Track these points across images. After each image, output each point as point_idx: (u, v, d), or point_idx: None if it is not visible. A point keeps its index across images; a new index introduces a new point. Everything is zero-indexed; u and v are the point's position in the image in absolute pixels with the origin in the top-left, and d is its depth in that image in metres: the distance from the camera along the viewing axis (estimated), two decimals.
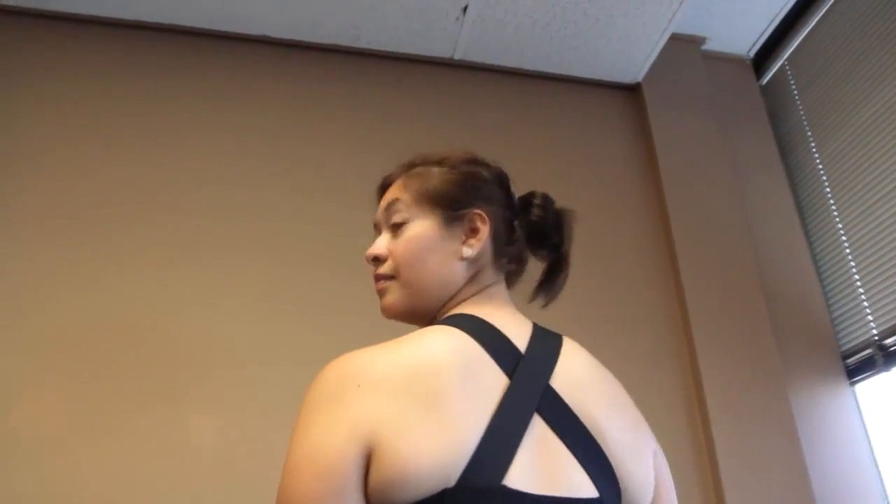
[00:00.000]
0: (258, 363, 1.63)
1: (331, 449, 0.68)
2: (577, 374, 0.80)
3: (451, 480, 0.67)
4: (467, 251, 0.86)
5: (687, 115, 2.18)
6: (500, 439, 0.71)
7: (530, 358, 0.79)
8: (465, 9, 1.95)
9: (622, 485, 0.75)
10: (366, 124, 2.04)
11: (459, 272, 0.87)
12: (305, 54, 2.09)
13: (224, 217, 1.80)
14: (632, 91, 2.24)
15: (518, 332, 0.82)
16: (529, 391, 0.76)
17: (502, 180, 0.94)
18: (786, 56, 2.35)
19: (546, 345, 0.83)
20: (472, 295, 0.87)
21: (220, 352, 1.62)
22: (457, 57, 2.14)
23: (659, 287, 1.93)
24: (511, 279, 0.94)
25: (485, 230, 0.87)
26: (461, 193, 0.89)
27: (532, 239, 0.93)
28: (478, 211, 0.88)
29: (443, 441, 0.68)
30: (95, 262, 1.67)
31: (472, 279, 0.88)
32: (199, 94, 1.96)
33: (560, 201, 1.94)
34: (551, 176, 2.04)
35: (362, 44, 2.09)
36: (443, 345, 0.76)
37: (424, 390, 0.71)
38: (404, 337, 0.78)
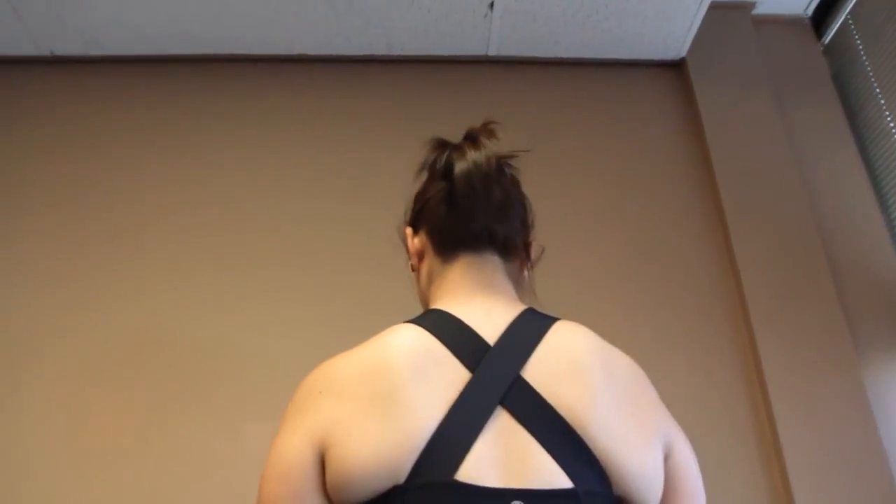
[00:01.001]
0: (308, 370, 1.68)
1: (289, 454, 0.73)
2: (560, 362, 0.78)
3: (401, 477, 0.69)
4: (411, 263, 0.96)
5: (737, 87, 2.07)
6: (454, 434, 0.71)
7: (500, 349, 0.78)
8: (491, 5, 1.94)
9: (611, 476, 0.72)
10: (406, 129, 2.05)
11: (420, 279, 0.96)
12: (343, 67, 2.14)
13: (270, 227, 1.87)
14: (677, 67, 2.15)
15: (491, 321, 0.81)
16: (493, 384, 0.75)
17: (434, 163, 0.93)
18: (848, 9, 2.19)
19: (526, 332, 0.80)
20: (442, 290, 0.90)
21: (270, 360, 1.69)
22: (491, 53, 2.13)
23: (713, 271, 1.84)
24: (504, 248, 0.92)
25: (409, 244, 0.96)
26: (409, 212, 0.98)
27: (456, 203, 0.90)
28: (405, 229, 0.97)
29: (390, 439, 0.70)
30: (141, 276, 1.79)
31: (432, 278, 0.92)
32: (243, 114, 2.05)
33: (607, 188, 1.92)
34: (596, 163, 2.00)
35: (396, 51, 2.12)
36: (396, 343, 0.78)
37: (374, 390, 0.74)
38: (372, 338, 0.81)
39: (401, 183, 1.89)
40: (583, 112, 2.08)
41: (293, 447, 0.74)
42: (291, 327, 1.74)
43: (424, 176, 0.95)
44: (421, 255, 0.95)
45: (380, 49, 2.11)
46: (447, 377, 0.75)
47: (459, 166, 0.89)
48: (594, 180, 1.98)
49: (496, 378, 0.75)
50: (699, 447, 1.55)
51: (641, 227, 1.90)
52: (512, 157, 0.95)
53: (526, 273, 0.98)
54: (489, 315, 0.83)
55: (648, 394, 0.82)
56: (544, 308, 1.69)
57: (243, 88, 2.09)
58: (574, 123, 2.06)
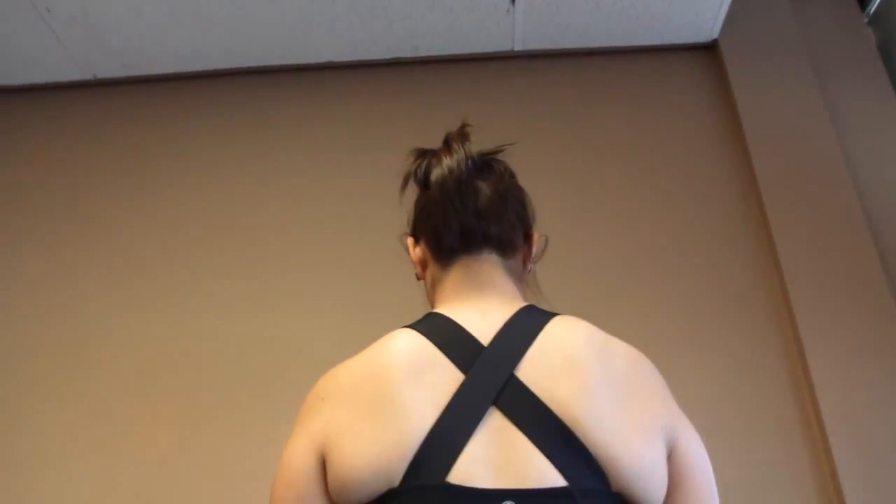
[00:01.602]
0: None
1: (293, 459, 0.77)
2: (554, 358, 0.77)
3: (396, 481, 0.70)
4: (416, 272, 0.97)
5: (774, 68, 1.99)
6: (446, 436, 0.72)
7: (493, 349, 0.78)
8: (513, 1, 1.93)
9: (608, 471, 0.71)
10: (438, 129, 2.06)
11: (426, 286, 0.96)
12: (370, 72, 2.16)
13: (305, 233, 1.91)
14: (709, 50, 2.08)
15: (487, 321, 0.81)
16: (486, 384, 0.75)
17: (415, 172, 0.93)
18: None
19: (521, 330, 0.80)
20: (442, 294, 0.91)
21: (309, 362, 1.72)
22: (517, 48, 2.11)
23: (751, 263, 1.77)
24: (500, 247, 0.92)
25: (412, 254, 0.96)
26: (409, 222, 0.98)
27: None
28: (407, 239, 0.98)
29: (384, 443, 0.72)
30: (178, 285, 1.86)
31: (435, 284, 0.93)
32: (276, 123, 2.10)
33: (639, 179, 1.88)
34: (628, 154, 1.96)
35: (422, 53, 2.13)
36: (392, 349, 0.79)
37: (371, 395, 0.76)
38: (373, 344, 0.83)
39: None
40: (613, 102, 2.04)
41: (298, 453, 0.77)
42: (329, 331, 1.77)
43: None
44: (424, 264, 0.96)
45: (406, 51, 2.12)
46: (441, 380, 0.76)
47: (435, 173, 0.90)
48: (626, 172, 1.94)
49: (489, 378, 0.76)
50: (742, 448, 1.52)
51: (675, 218, 1.85)
52: (497, 151, 0.96)
53: (530, 267, 0.98)
54: (484, 315, 0.83)
55: (651, 385, 0.80)
56: (572, 305, 1.68)
57: (274, 99, 2.14)
58: (604, 114, 2.03)
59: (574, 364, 0.77)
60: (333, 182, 1.99)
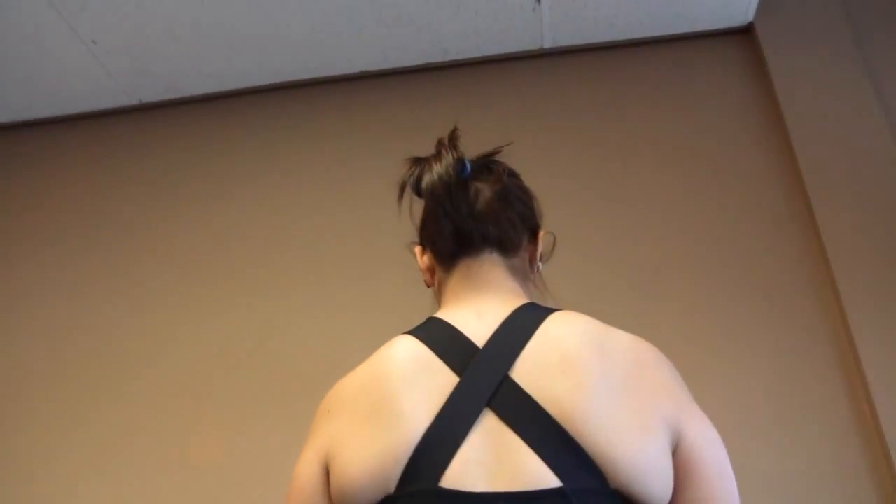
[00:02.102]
0: None
1: (302, 470, 0.79)
2: (549, 356, 0.77)
3: (391, 487, 0.72)
4: (425, 279, 0.98)
5: (816, 49, 1.90)
6: (440, 440, 0.72)
7: (488, 351, 0.78)
8: None
9: (605, 469, 0.70)
10: (473, 131, 2.06)
11: (435, 291, 0.97)
12: (403, 78, 2.18)
13: (351, 241, 1.95)
14: (744, 34, 2.01)
15: (483, 323, 0.82)
16: (480, 386, 0.75)
17: (418, 180, 0.93)
18: None
19: (517, 330, 0.80)
20: (445, 298, 0.93)
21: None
22: (546, 46, 2.10)
23: (796, 256, 1.71)
24: (500, 245, 0.92)
25: (420, 262, 0.98)
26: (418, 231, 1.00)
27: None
28: (416, 248, 1.00)
29: (379, 451, 0.73)
30: (231, 294, 1.92)
31: (441, 290, 0.95)
32: (315, 135, 2.15)
33: (676, 172, 1.84)
34: (665, 145, 1.92)
35: (452, 56, 2.14)
36: (389, 356, 0.81)
37: (369, 404, 0.77)
38: (375, 353, 0.85)
39: None
40: (646, 95, 2.00)
41: (305, 464, 0.79)
42: (372, 338, 1.80)
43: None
44: (432, 270, 0.97)
45: (435, 56, 2.13)
46: (436, 384, 0.76)
47: (425, 181, 0.90)
48: (663, 165, 1.90)
49: (483, 380, 0.76)
50: (793, 448, 1.47)
51: (715, 211, 1.80)
52: (495, 152, 0.97)
53: (538, 265, 0.98)
54: (481, 316, 0.83)
55: (655, 377, 0.78)
56: (610, 304, 1.67)
57: (311, 111, 2.19)
58: (638, 108, 1.99)
59: (569, 361, 0.76)
60: (373, 190, 2.02)
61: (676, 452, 0.75)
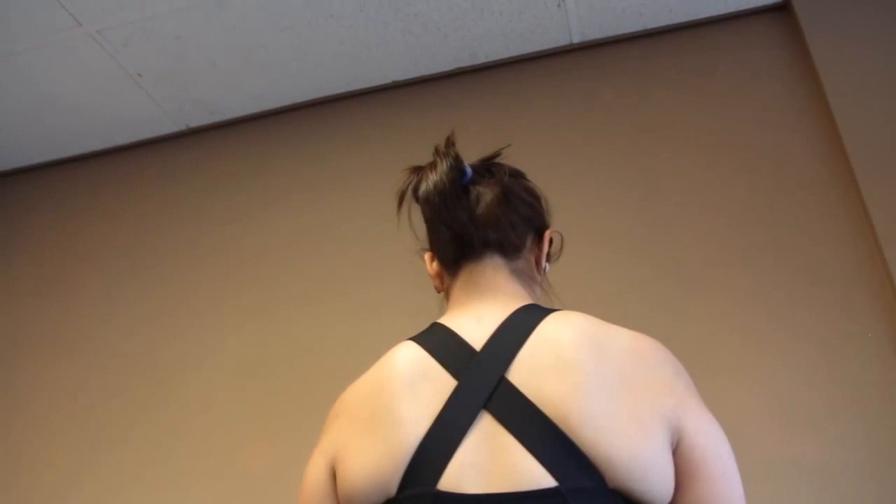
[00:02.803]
0: None
1: (310, 475, 0.82)
2: (545, 357, 0.77)
3: (392, 491, 0.74)
4: (434, 285, 0.98)
5: (859, 24, 1.81)
6: (438, 443, 0.74)
7: (485, 354, 0.79)
8: None
9: (602, 468, 0.70)
10: (507, 130, 2.08)
11: (444, 296, 0.97)
12: (435, 84, 2.21)
13: (384, 248, 1.98)
14: (782, 10, 1.94)
15: (481, 326, 0.83)
16: (477, 389, 0.76)
17: (416, 189, 0.94)
18: None
19: (514, 332, 0.80)
20: (450, 304, 0.94)
21: None
22: (575, 41, 2.08)
23: (846, 235, 1.64)
24: (500, 247, 0.93)
25: (429, 268, 0.98)
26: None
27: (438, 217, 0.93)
28: (425, 255, 1.00)
29: (380, 455, 0.75)
30: (270, 302, 1.99)
31: (447, 293, 0.96)
32: (351, 146, 2.19)
33: (717, 159, 1.79)
34: (702, 133, 1.87)
35: (481, 59, 2.14)
36: (391, 362, 0.83)
37: (371, 410, 0.79)
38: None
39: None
40: (680, 82, 1.95)
41: (313, 468, 0.82)
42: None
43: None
44: (440, 276, 0.98)
45: (465, 60, 2.15)
46: (435, 389, 0.78)
47: (421, 189, 0.91)
48: (701, 154, 1.85)
49: (480, 383, 0.77)
50: (844, 442, 1.41)
51: (755, 197, 1.74)
52: (495, 155, 0.97)
53: (544, 266, 0.98)
54: (480, 320, 0.84)
55: (654, 374, 0.77)
56: (655, 302, 1.64)
57: (348, 123, 2.23)
58: (673, 96, 1.95)
59: (564, 361, 0.76)
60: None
61: (678, 451, 0.74)
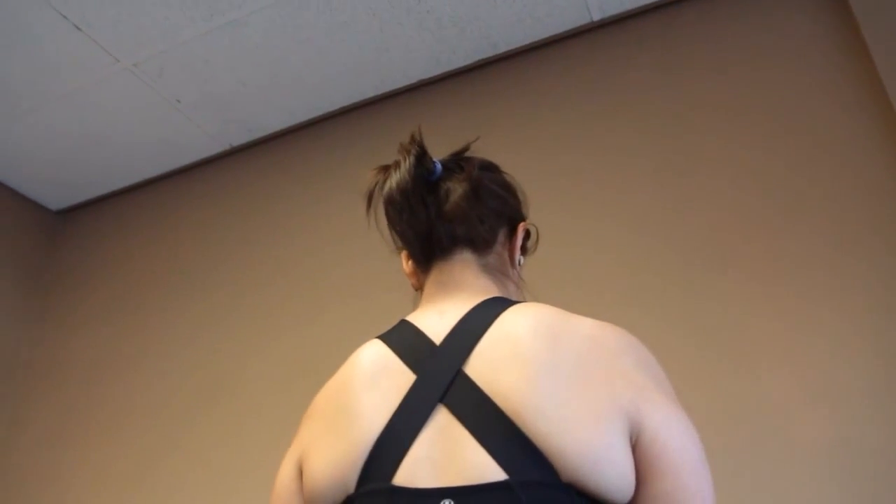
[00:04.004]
0: None
1: (281, 474, 0.84)
2: (501, 349, 0.75)
3: (351, 487, 0.74)
4: (412, 283, 0.98)
5: None
6: (394, 438, 0.73)
7: (445, 347, 0.79)
8: None
9: (554, 462, 0.68)
10: (538, 119, 2.05)
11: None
12: (460, 79, 2.20)
13: None
14: None
15: (443, 321, 0.82)
16: (434, 383, 0.76)
17: (377, 188, 0.93)
18: None
19: (473, 325, 0.80)
20: (420, 301, 0.93)
21: None
22: (595, 18, 2.03)
23: (883, 208, 1.51)
24: (470, 244, 0.92)
25: (405, 267, 0.97)
26: None
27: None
28: (401, 254, 0.99)
29: (339, 452, 0.76)
30: (308, 310, 2.04)
31: (421, 289, 0.95)
32: (380, 150, 2.21)
33: (749, 134, 1.69)
34: (734, 108, 1.77)
35: (502, 49, 2.12)
36: (356, 360, 0.84)
37: (335, 408, 0.80)
38: None
39: (530, 178, 1.92)
40: (709, 53, 1.85)
41: (283, 469, 0.84)
42: None
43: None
44: (416, 275, 0.97)
45: (486, 51, 2.13)
46: (394, 383, 0.78)
47: (386, 188, 0.91)
48: (731, 130, 1.74)
49: (438, 377, 0.76)
50: (893, 429, 1.28)
51: (784, 176, 1.62)
52: (464, 150, 0.96)
53: (518, 259, 0.96)
54: (442, 315, 0.83)
55: (612, 365, 0.74)
56: (667, 280, 1.57)
57: (380, 127, 2.27)
58: (701, 68, 1.85)
59: (518, 352, 0.74)
60: None
61: (637, 445, 0.70)
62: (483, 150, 2.02)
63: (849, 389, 1.36)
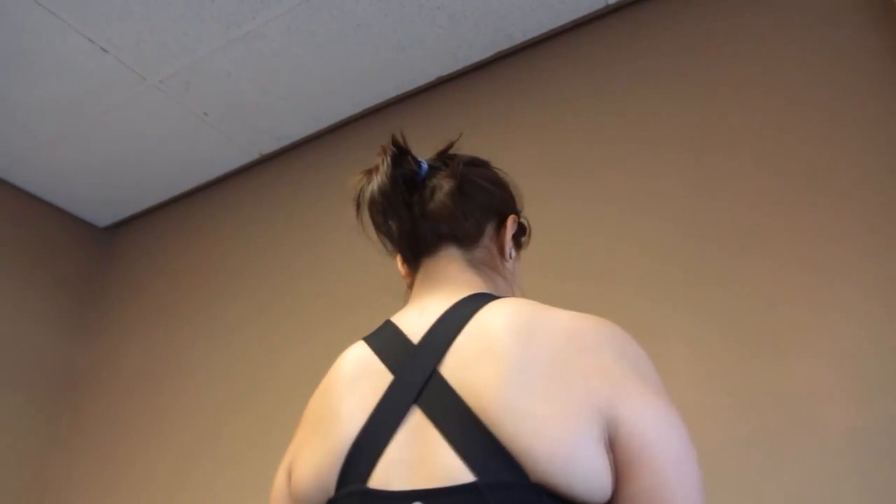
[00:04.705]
0: None
1: (275, 480, 0.85)
2: (474, 347, 0.74)
3: (331, 490, 0.74)
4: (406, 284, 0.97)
5: None
6: (370, 440, 0.73)
7: (422, 347, 0.78)
8: None
9: (523, 462, 0.66)
10: (564, 111, 2.01)
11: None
12: (479, 74, 2.19)
13: None
14: None
15: (423, 319, 0.81)
16: (410, 383, 0.75)
17: (359, 196, 0.92)
18: None
19: (450, 323, 0.78)
20: (408, 300, 0.92)
21: None
22: (612, 1, 1.98)
23: None
24: (455, 239, 0.91)
25: (400, 269, 0.97)
26: None
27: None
28: (396, 256, 0.99)
29: (320, 456, 0.76)
30: (332, 315, 2.04)
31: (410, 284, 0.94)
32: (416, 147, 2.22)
33: (777, 117, 1.62)
34: (762, 89, 1.68)
35: (519, 40, 2.10)
36: (340, 363, 0.84)
37: (319, 412, 0.81)
38: None
39: (553, 167, 1.89)
40: (733, 31, 1.78)
41: (278, 475, 0.85)
42: None
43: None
44: (410, 275, 0.97)
45: (504, 43, 2.11)
46: (373, 385, 0.77)
47: (367, 192, 0.90)
48: (759, 122, 1.65)
49: (414, 377, 0.75)
50: None
51: (814, 156, 1.53)
52: (447, 148, 0.96)
53: (508, 252, 0.94)
54: (423, 312, 0.82)
55: (589, 359, 0.71)
56: (688, 270, 1.51)
57: (407, 127, 2.27)
58: (725, 48, 1.77)
59: (491, 350, 0.73)
60: None
61: (615, 442, 0.67)
62: (507, 142, 2.02)
63: (881, 373, 1.28)
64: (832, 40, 1.64)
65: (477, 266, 0.90)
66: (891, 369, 1.28)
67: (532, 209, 1.84)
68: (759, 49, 1.73)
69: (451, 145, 0.98)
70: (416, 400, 0.73)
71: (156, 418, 2.27)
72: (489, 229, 0.93)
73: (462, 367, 0.73)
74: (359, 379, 0.79)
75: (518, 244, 0.99)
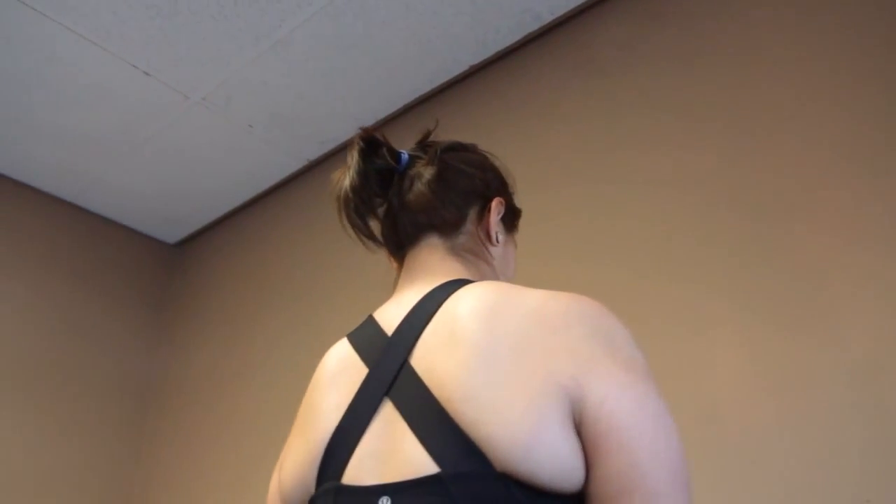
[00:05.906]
0: None
1: (271, 480, 0.85)
2: (440, 335, 0.72)
3: (312, 487, 0.74)
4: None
5: None
6: (345, 436, 0.73)
7: (394, 338, 0.77)
8: None
9: (487, 453, 0.63)
10: (596, 88, 1.95)
11: None
12: (511, 59, 2.14)
13: None
14: None
15: (399, 311, 0.80)
16: (382, 376, 0.74)
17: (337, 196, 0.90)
18: None
19: (422, 312, 0.77)
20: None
21: None
22: None
23: None
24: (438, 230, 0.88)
25: (389, 262, 0.95)
26: None
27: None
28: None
29: (302, 454, 0.76)
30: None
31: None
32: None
33: (824, 84, 1.52)
34: (805, 58, 1.55)
35: (547, 19, 2.04)
36: (323, 361, 0.84)
37: (302, 413, 0.82)
38: None
39: (597, 146, 1.82)
40: (777, 6, 1.67)
41: (273, 475, 0.85)
42: None
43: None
44: (397, 268, 0.95)
45: (531, 25, 2.06)
46: (350, 380, 0.77)
47: (342, 189, 0.87)
48: (803, 83, 1.53)
49: (386, 369, 0.74)
50: None
51: (860, 128, 1.40)
52: (426, 137, 0.94)
53: (495, 236, 0.90)
54: (400, 304, 0.81)
55: (557, 339, 0.68)
56: (722, 249, 1.41)
57: (446, 118, 2.23)
58: (769, 23, 1.64)
59: (456, 336, 0.71)
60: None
61: (582, 422, 0.64)
62: (549, 123, 1.96)
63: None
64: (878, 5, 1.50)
65: (459, 253, 0.88)
66: None
67: (578, 189, 1.80)
68: (801, 20, 1.60)
69: (428, 133, 0.96)
70: (388, 392, 0.72)
71: (226, 424, 2.35)
72: (472, 214, 0.90)
73: (429, 357, 0.72)
74: (338, 375, 0.78)
75: (509, 227, 0.96)
